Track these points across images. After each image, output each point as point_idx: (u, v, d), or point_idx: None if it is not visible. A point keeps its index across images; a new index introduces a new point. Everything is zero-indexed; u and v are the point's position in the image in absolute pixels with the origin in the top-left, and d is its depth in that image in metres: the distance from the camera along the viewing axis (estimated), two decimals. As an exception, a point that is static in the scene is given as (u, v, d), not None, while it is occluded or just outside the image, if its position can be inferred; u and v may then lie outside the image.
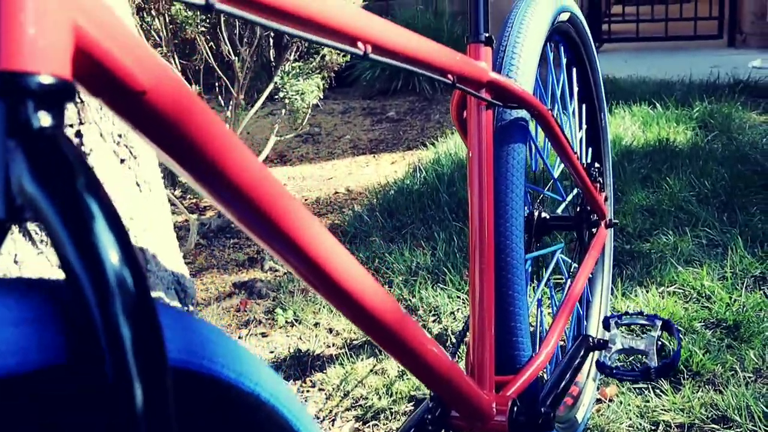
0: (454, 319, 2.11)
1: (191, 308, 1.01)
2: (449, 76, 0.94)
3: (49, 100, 0.40)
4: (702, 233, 2.44)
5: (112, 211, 0.41)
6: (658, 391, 1.70)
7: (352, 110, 4.95)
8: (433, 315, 2.15)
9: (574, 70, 1.67)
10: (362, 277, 0.69)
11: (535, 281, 2.19)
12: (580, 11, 1.59)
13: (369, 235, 2.73)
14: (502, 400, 1.08)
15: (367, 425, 1.72)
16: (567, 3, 1.48)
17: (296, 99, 3.03)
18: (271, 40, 3.05)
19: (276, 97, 3.10)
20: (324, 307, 2.23)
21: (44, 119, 0.40)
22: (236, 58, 2.84)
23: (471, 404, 0.98)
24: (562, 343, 1.66)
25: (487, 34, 1.10)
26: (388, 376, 1.86)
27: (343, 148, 4.13)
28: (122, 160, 0.86)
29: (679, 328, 1.92)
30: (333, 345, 2.07)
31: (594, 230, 1.59)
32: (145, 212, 0.90)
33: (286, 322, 2.21)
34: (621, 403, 1.68)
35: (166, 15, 2.58)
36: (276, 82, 3.03)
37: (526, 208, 1.45)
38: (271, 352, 2.07)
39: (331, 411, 1.78)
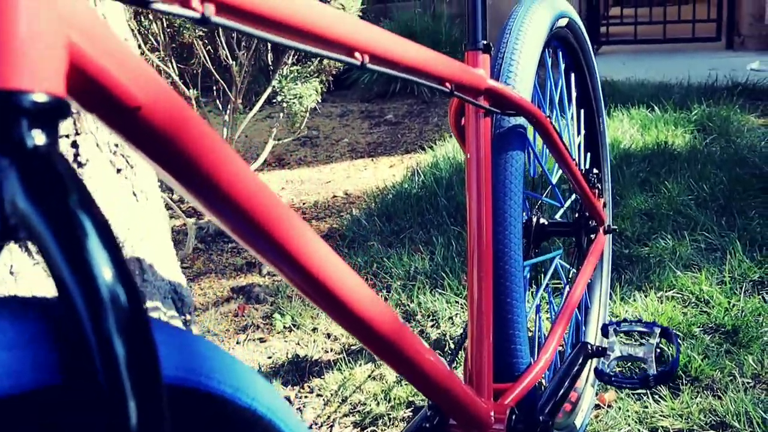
0: (453, 324, 2.11)
1: (188, 317, 1.01)
2: (447, 84, 0.94)
3: (43, 118, 0.40)
4: (700, 237, 2.44)
5: (106, 229, 0.41)
6: (656, 396, 1.70)
7: (350, 113, 4.95)
8: (432, 320, 2.14)
9: (573, 75, 1.67)
10: (359, 287, 0.69)
11: (533, 286, 2.19)
12: (578, 16, 1.59)
13: (367, 240, 2.72)
14: (501, 409, 1.08)
15: (365, 431, 1.71)
16: (565, 9, 1.48)
17: (294, 103, 3.03)
18: (269, 44, 3.05)
19: (274, 101, 3.10)
20: (322, 312, 2.22)
21: (38, 138, 0.39)
22: (234, 62, 2.83)
23: (469, 413, 0.97)
24: (560, 348, 1.66)
25: (485, 42, 1.10)
26: (387, 382, 1.85)
27: (341, 152, 4.13)
28: (119, 170, 0.86)
29: (678, 333, 1.92)
30: (331, 350, 2.06)
31: (592, 236, 1.58)
32: (141, 222, 0.89)
33: (284, 327, 2.20)
34: (620, 408, 1.68)
35: (163, 19, 2.58)
36: (274, 86, 3.03)
37: (524, 214, 1.45)
38: (269, 357, 2.07)
39: (329, 417, 1.78)
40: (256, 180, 0.57)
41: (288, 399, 1.86)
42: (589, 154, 1.79)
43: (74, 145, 0.79)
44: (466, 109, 1.10)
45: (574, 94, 1.65)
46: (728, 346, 1.86)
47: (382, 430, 1.71)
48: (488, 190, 1.09)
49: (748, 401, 1.63)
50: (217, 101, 3.17)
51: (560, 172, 1.48)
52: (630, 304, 2.08)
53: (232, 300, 2.45)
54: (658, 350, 1.34)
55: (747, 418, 1.58)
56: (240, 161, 0.55)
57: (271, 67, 3.09)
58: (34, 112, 0.39)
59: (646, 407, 1.67)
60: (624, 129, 3.70)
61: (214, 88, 3.05)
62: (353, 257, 2.58)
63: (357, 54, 0.73)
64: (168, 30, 2.63)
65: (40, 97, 0.39)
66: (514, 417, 1.07)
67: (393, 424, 1.72)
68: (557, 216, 1.60)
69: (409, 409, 1.75)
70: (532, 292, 2.11)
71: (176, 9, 0.51)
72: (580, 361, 1.29)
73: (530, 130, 1.24)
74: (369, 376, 1.89)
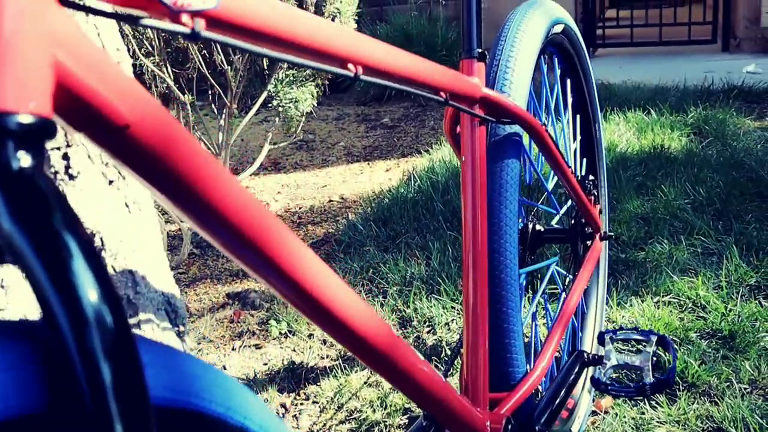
0: (449, 330, 2.10)
1: (182, 328, 1.00)
2: (442, 93, 0.93)
3: (29, 139, 0.39)
4: (697, 242, 2.44)
5: (91, 250, 0.40)
6: (653, 402, 1.70)
7: (346, 117, 4.95)
8: (428, 326, 2.14)
9: (568, 81, 1.66)
10: (352, 300, 0.69)
11: (530, 292, 2.18)
12: (574, 22, 1.58)
13: (363, 245, 2.72)
14: (496, 418, 1.08)
15: (361, 439, 1.71)
16: (561, 15, 1.48)
17: (290, 107, 3.02)
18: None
19: (270, 105, 3.09)
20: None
21: (24, 159, 0.39)
22: (229, 67, 2.83)
23: (464, 423, 0.97)
24: (557, 354, 1.65)
25: (480, 50, 1.10)
26: (383, 389, 1.85)
27: (337, 155, 4.13)
28: (111, 182, 0.85)
29: (675, 338, 1.91)
30: (327, 357, 2.06)
31: (589, 243, 1.58)
32: (134, 233, 0.89)
33: (280, 333, 2.20)
34: (616, 415, 1.67)
35: (158, 24, 2.56)
36: (269, 90, 3.02)
37: (520, 221, 1.44)
38: (265, 364, 2.06)
39: (325, 424, 1.77)
40: (247, 195, 0.56)
41: (284, 406, 1.86)
42: (585, 160, 1.78)
43: (65, 157, 0.79)
44: (461, 118, 1.09)
45: (570, 100, 1.65)
46: (725, 352, 1.85)
47: (378, 437, 1.70)
48: (483, 198, 1.08)
49: (744, 407, 1.62)
50: (213, 105, 3.17)
51: (556, 178, 1.48)
52: (627, 310, 2.08)
53: (228, 306, 2.44)
54: (655, 358, 1.33)
55: (744, 424, 1.58)
56: (230, 177, 0.54)
57: (267, 72, 3.09)
58: (20, 134, 0.38)
59: (643, 413, 1.67)
60: (620, 132, 3.70)
61: (210, 92, 3.04)
62: (349, 262, 2.58)
63: (350, 65, 0.72)
64: (163, 34, 2.63)
65: (25, 119, 0.39)
66: (510, 426, 1.06)
67: (389, 431, 1.71)
68: (553, 222, 1.59)
69: (405, 416, 1.75)
70: (528, 298, 2.10)
71: (166, 25, 0.51)
72: (576, 370, 1.28)
73: (526, 137, 1.24)
74: (365, 383, 1.88)
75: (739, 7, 5.93)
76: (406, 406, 1.77)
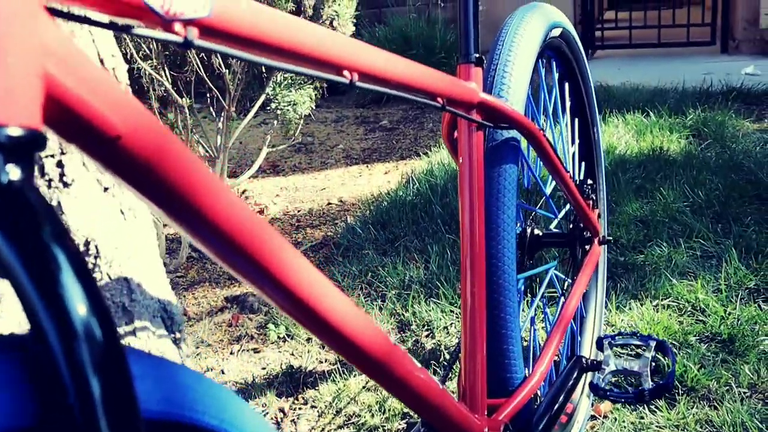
0: (448, 333, 2.10)
1: (178, 335, 0.99)
2: (439, 99, 0.93)
3: (18, 152, 0.39)
4: (696, 245, 2.43)
5: (80, 262, 0.40)
6: (652, 407, 1.69)
7: (345, 119, 4.94)
8: (427, 330, 2.13)
9: (566, 84, 1.66)
10: (348, 308, 0.68)
11: (528, 295, 2.18)
12: (571, 26, 1.58)
13: (362, 248, 2.71)
14: (494, 425, 1.07)
15: (359, 444, 1.70)
16: (559, 19, 1.47)
17: (288, 110, 3.02)
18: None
19: (268, 107, 3.09)
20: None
21: (12, 172, 0.38)
22: (227, 70, 2.82)
23: (462, 430, 0.96)
24: (556, 358, 1.65)
25: (477, 55, 1.09)
26: (381, 393, 1.84)
27: (336, 158, 4.12)
28: (106, 189, 0.85)
29: (674, 342, 1.91)
30: (325, 361, 2.05)
31: (587, 247, 1.57)
32: (129, 240, 0.88)
33: (279, 337, 2.19)
34: (615, 419, 1.67)
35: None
36: (268, 93, 3.02)
37: (518, 225, 1.44)
38: (263, 368, 2.06)
39: (323, 429, 1.76)
40: (240, 205, 0.56)
41: (282, 410, 1.85)
42: (583, 164, 1.78)
43: (60, 164, 0.78)
44: (458, 123, 1.09)
45: (568, 104, 1.64)
46: (724, 356, 1.85)
47: (376, 442, 1.70)
48: (481, 203, 1.08)
49: (744, 412, 1.62)
50: (211, 108, 3.16)
51: (554, 182, 1.47)
52: (626, 313, 2.08)
53: (227, 310, 2.44)
54: (654, 364, 1.32)
55: (743, 428, 1.58)
56: (224, 187, 0.54)
57: (265, 75, 3.08)
58: (9, 147, 0.38)
59: (642, 418, 1.66)
60: (619, 135, 3.69)
61: (208, 95, 3.04)
62: (348, 266, 2.57)
63: (345, 72, 0.72)
64: (161, 38, 2.61)
65: (14, 131, 0.38)
66: (508, 433, 1.06)
67: (387, 436, 1.71)
68: (552, 226, 1.59)
69: (404, 421, 1.74)
70: (527, 302, 2.10)
71: (158, 34, 0.51)
72: (575, 375, 1.28)
73: (524, 141, 1.24)
74: (363, 387, 1.88)
75: (737, 9, 5.93)
76: (405, 410, 1.76)
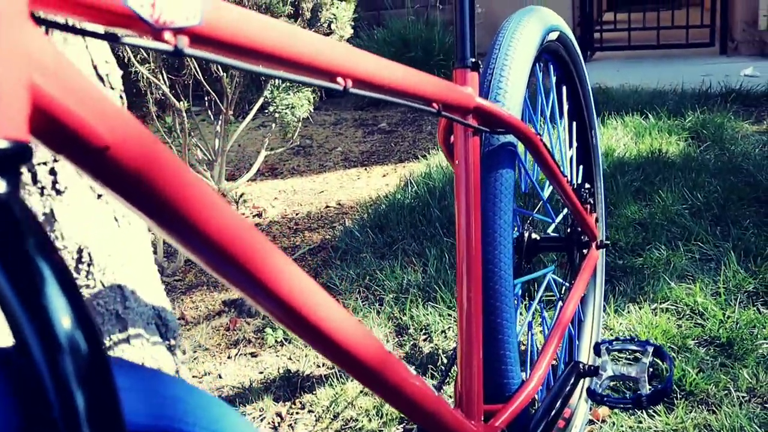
0: (446, 337, 2.09)
1: (173, 342, 0.99)
2: (434, 104, 0.92)
3: (4, 164, 0.38)
4: (695, 248, 2.43)
5: (65, 275, 0.40)
6: (651, 411, 1.69)
7: (343, 121, 4.94)
8: (424, 334, 2.13)
9: (564, 88, 1.66)
10: (341, 316, 0.68)
11: (526, 299, 2.17)
12: (569, 29, 1.57)
13: (360, 252, 2.71)
14: (491, 431, 1.07)
15: (357, 448, 1.70)
16: (556, 22, 1.47)
17: (286, 113, 3.01)
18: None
19: (267, 110, 3.08)
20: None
21: (-2, 185, 0.38)
22: (225, 73, 2.82)
23: (459, 437, 0.96)
24: (554, 362, 1.64)
25: (473, 59, 1.09)
26: (378, 398, 1.83)
27: (334, 161, 4.12)
28: (99, 196, 0.84)
29: (672, 346, 1.90)
30: (323, 365, 2.05)
31: (585, 251, 1.57)
32: (123, 247, 0.88)
33: (276, 341, 2.18)
34: (614, 424, 1.66)
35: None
36: (266, 96, 3.02)
37: (516, 229, 1.43)
38: (261, 372, 2.05)
39: (321, 434, 1.76)
40: (231, 214, 0.55)
41: (279, 415, 1.85)
42: (581, 167, 1.77)
43: (52, 172, 0.78)
44: (454, 128, 1.08)
45: (565, 107, 1.64)
46: (723, 360, 1.84)
47: (374, 447, 1.69)
48: (477, 208, 1.07)
49: (743, 416, 1.61)
50: (210, 111, 3.16)
51: (552, 186, 1.47)
52: (624, 317, 2.07)
53: (224, 313, 2.43)
54: (651, 369, 1.32)
55: (742, 433, 1.57)
56: (214, 196, 0.54)
57: (263, 78, 3.08)
58: (-6, 159, 0.38)
59: (641, 422, 1.66)
60: (618, 137, 3.69)
61: (206, 98, 3.04)
62: (345, 269, 2.57)
63: (339, 78, 0.71)
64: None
65: (0, 144, 0.38)
66: (504, 439, 1.05)
67: (385, 440, 1.70)
68: (550, 230, 1.58)
69: (401, 426, 1.73)
70: (525, 305, 2.10)
71: (148, 43, 0.50)
72: (572, 381, 1.27)
73: (521, 146, 1.23)
74: (361, 392, 1.87)
75: (736, 10, 5.93)
76: (402, 416, 1.76)
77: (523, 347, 1.84)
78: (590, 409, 1.67)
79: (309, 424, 1.80)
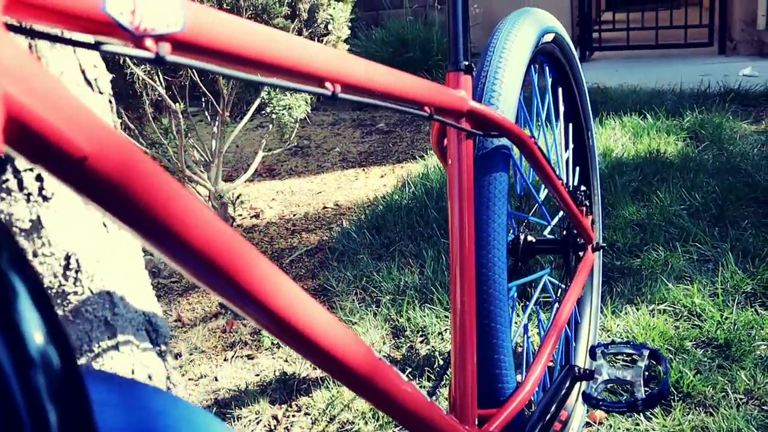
0: (442, 339, 2.08)
1: (163, 347, 0.98)
2: (426, 108, 0.91)
3: (-24, 176, 0.38)
4: (693, 248, 2.42)
5: (39, 289, 0.39)
6: (648, 414, 1.68)
7: (342, 122, 4.93)
8: (421, 336, 2.12)
9: (560, 89, 1.65)
10: (329, 324, 0.67)
11: (522, 300, 2.16)
12: (565, 31, 1.57)
13: (357, 253, 2.70)
14: (485, 436, 1.06)
15: (353, 452, 1.69)
16: (551, 24, 1.46)
17: (283, 114, 3.00)
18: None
19: (264, 111, 3.07)
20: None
21: (-31, 198, 0.37)
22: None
23: (452, 443, 0.95)
24: (551, 364, 1.63)
25: (466, 62, 1.08)
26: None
27: (332, 161, 4.11)
28: (87, 201, 0.83)
29: (670, 348, 1.90)
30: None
31: (581, 254, 1.56)
32: (112, 253, 0.87)
33: (272, 343, 2.18)
34: (611, 426, 1.66)
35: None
36: (263, 97, 3.01)
37: (511, 232, 1.43)
38: (257, 375, 2.05)
39: (316, 437, 1.75)
40: (216, 223, 0.54)
41: (275, 418, 1.84)
42: (577, 169, 1.77)
43: (39, 178, 0.77)
44: (447, 131, 1.08)
45: (561, 109, 1.63)
46: (720, 361, 1.84)
47: (370, 450, 1.68)
48: (471, 212, 1.07)
49: (740, 418, 1.61)
50: (206, 112, 3.15)
51: (547, 190, 1.46)
52: (621, 318, 2.06)
53: (221, 315, 2.42)
54: (647, 373, 1.31)
55: (739, 436, 1.56)
56: (198, 205, 0.53)
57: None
58: (-35, 171, 0.37)
59: (638, 424, 1.65)
60: (616, 137, 3.68)
61: (203, 99, 3.03)
62: (342, 271, 2.56)
63: (328, 84, 0.71)
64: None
65: (-29, 155, 0.37)
66: (499, 445, 1.05)
67: (381, 444, 1.69)
68: (546, 231, 1.58)
69: (398, 428, 1.73)
70: (522, 306, 2.09)
71: (129, 50, 0.49)
72: (567, 385, 1.26)
73: (515, 148, 1.22)
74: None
75: (735, 10, 5.92)
76: (399, 418, 1.75)
77: (519, 349, 1.84)
78: (587, 411, 1.66)
79: (305, 427, 1.79)
